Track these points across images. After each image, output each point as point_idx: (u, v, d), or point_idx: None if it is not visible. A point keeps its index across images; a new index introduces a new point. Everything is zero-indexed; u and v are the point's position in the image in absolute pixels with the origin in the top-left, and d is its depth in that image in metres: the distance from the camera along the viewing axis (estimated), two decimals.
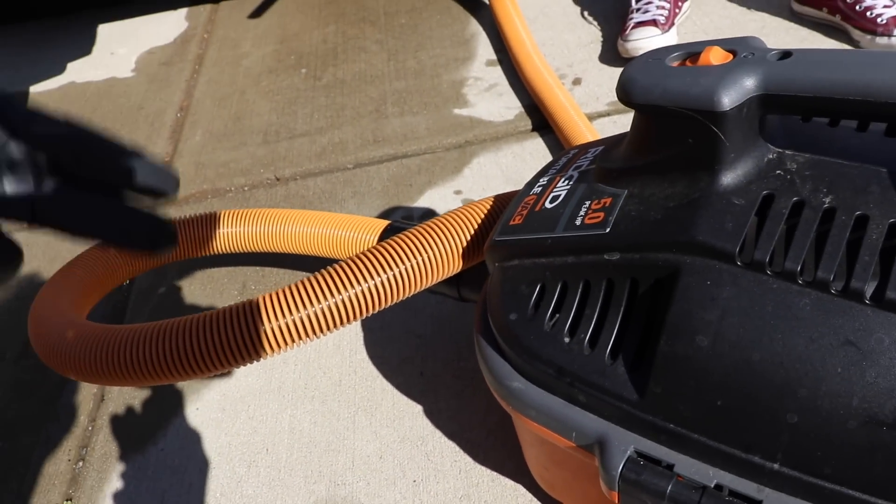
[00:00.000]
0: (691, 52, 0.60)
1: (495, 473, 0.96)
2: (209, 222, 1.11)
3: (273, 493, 1.02)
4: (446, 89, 1.73)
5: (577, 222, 0.64)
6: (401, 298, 0.76)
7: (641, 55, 0.63)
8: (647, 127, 0.61)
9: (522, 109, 1.60)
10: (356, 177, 1.56)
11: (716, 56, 0.57)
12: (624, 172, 0.64)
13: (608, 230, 0.61)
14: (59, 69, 2.20)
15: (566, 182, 0.71)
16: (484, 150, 1.53)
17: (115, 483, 1.09)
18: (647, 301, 0.58)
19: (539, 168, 0.79)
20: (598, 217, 0.62)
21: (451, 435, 1.03)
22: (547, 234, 0.65)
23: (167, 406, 1.16)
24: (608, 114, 1.54)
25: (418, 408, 1.08)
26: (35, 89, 2.14)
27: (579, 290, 0.62)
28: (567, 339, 0.61)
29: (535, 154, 1.47)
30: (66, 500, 1.08)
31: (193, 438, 1.12)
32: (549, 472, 0.77)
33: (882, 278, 0.49)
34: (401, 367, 1.14)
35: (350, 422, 1.08)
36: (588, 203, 0.65)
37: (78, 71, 2.19)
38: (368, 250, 0.76)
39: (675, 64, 0.60)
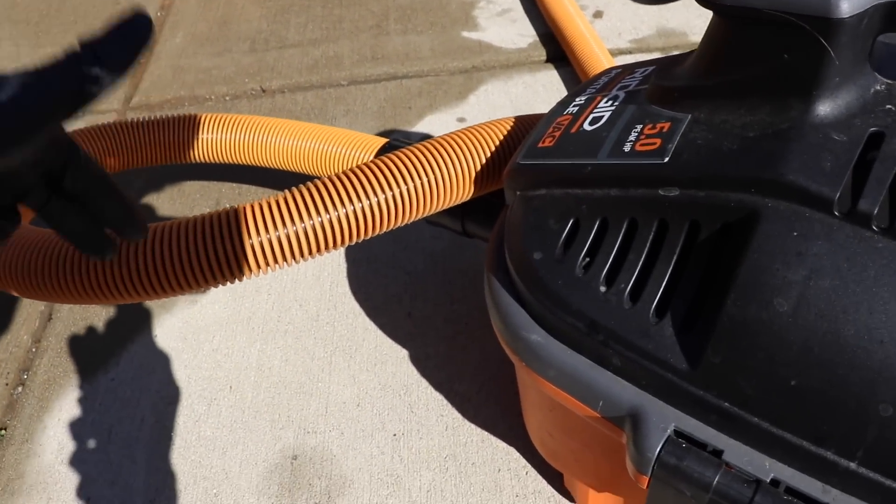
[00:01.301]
0: None
1: (486, 433, 0.86)
2: (184, 125, 0.99)
3: (234, 436, 0.92)
4: (455, 10, 1.61)
5: (626, 149, 0.53)
6: (398, 224, 0.65)
7: None
8: (728, 37, 0.50)
9: (537, 38, 1.49)
10: (350, 94, 1.44)
11: None
12: (688, 93, 0.53)
13: (666, 160, 0.50)
14: None
15: (610, 102, 0.59)
16: (492, 78, 1.42)
17: (57, 413, 0.98)
18: (710, 250, 0.47)
19: (555, 101, 0.67)
20: (654, 144, 0.51)
21: (438, 385, 0.93)
22: (586, 161, 0.54)
23: (122, 331, 1.05)
24: (630, 52, 1.42)
25: (403, 353, 0.97)
26: None
27: (623, 230, 0.51)
28: (603, 289, 0.50)
29: (549, 87, 1.36)
30: (0, 430, 0.97)
31: (149, 369, 1.01)
32: (555, 440, 0.66)
33: None
34: (386, 305, 1.04)
35: (326, 363, 0.98)
36: (640, 127, 0.54)
37: None
38: (365, 164, 0.65)
39: None
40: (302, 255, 0.61)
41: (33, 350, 1.06)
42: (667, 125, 0.52)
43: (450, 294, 1.04)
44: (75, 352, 1.05)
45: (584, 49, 1.28)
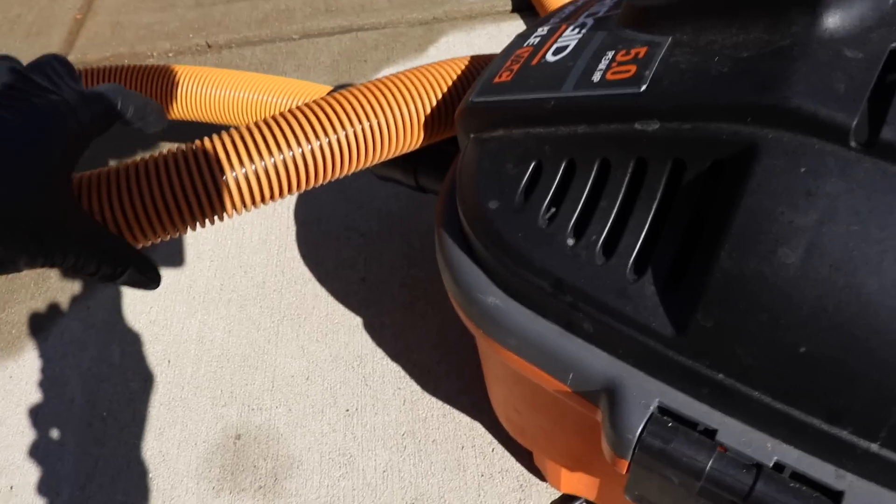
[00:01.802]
0: None
1: (448, 407, 0.80)
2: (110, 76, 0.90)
3: (172, 414, 0.84)
4: None
5: (595, 78, 0.45)
6: (341, 173, 0.57)
7: None
8: None
9: None
10: (301, 48, 1.37)
11: None
12: (668, 12, 0.45)
13: (643, 88, 0.42)
14: None
15: (576, 30, 0.51)
16: (454, 29, 1.35)
17: None
18: (698, 193, 0.40)
19: None
20: (628, 71, 0.43)
21: (395, 356, 0.86)
22: (549, 94, 0.46)
23: (52, 304, 0.97)
24: None
25: (357, 321, 0.90)
26: None
27: (593, 173, 0.43)
28: (571, 242, 0.43)
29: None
30: None
31: (80, 345, 0.93)
32: (523, 416, 0.59)
33: None
34: (338, 270, 0.96)
35: (273, 333, 0.90)
36: (611, 54, 0.46)
37: None
38: (304, 106, 0.56)
39: None
40: (223, 210, 0.53)
41: None
42: (643, 50, 0.44)
43: (407, 258, 0.96)
44: None
45: None
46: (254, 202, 0.54)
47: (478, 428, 0.78)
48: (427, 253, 0.96)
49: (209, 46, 1.42)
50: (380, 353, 0.87)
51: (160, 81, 0.89)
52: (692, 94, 0.40)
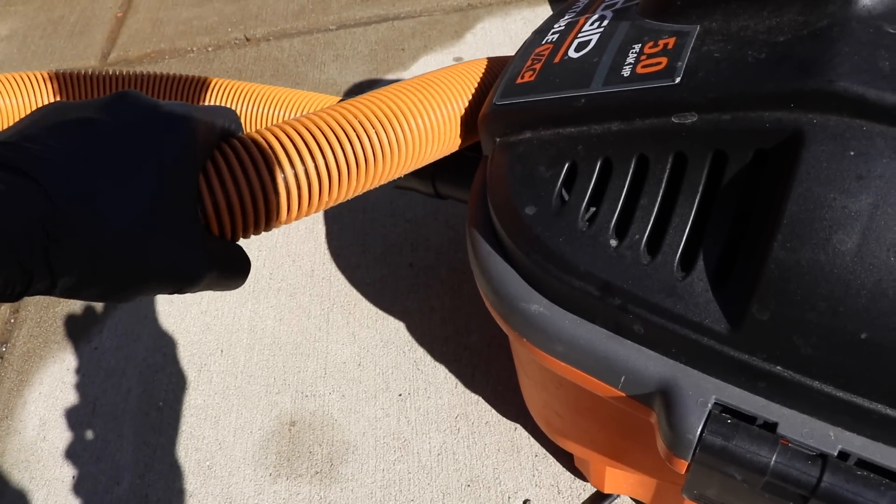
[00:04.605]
0: None
1: (499, 388, 0.80)
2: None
3: (227, 403, 0.85)
4: None
5: (625, 73, 0.44)
6: (359, 190, 0.55)
7: None
8: None
9: None
10: (339, 38, 1.37)
11: None
12: (693, 0, 0.44)
13: (678, 80, 0.41)
14: None
15: (595, 24, 0.51)
16: (490, 15, 1.35)
17: (38, 387, 0.91)
18: (742, 184, 0.39)
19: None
20: (659, 63, 0.43)
21: (445, 340, 0.86)
22: (578, 92, 0.45)
23: None
24: None
25: (406, 305, 0.91)
26: None
27: (631, 170, 0.42)
28: (614, 242, 0.42)
29: None
30: None
31: (134, 336, 0.93)
32: (565, 420, 0.58)
33: None
34: (386, 256, 0.96)
35: (323, 320, 0.91)
36: (638, 46, 0.45)
37: None
38: (315, 114, 0.54)
39: None
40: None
41: (11, 321, 0.99)
42: (671, 40, 0.44)
43: (453, 242, 0.96)
44: (56, 321, 0.97)
45: None
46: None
47: None
48: None
49: (247, 40, 1.42)
50: (430, 337, 0.87)
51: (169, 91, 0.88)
52: (730, 84, 0.39)
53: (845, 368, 0.36)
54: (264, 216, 0.45)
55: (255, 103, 0.83)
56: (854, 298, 0.34)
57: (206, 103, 0.84)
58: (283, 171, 0.45)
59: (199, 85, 0.84)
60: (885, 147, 0.34)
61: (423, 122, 0.53)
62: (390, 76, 1.24)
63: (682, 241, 0.40)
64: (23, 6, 1.60)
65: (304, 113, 0.79)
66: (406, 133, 0.52)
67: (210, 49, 1.41)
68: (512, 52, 1.10)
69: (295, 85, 1.25)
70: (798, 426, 0.38)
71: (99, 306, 0.97)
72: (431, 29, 1.34)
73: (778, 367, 0.37)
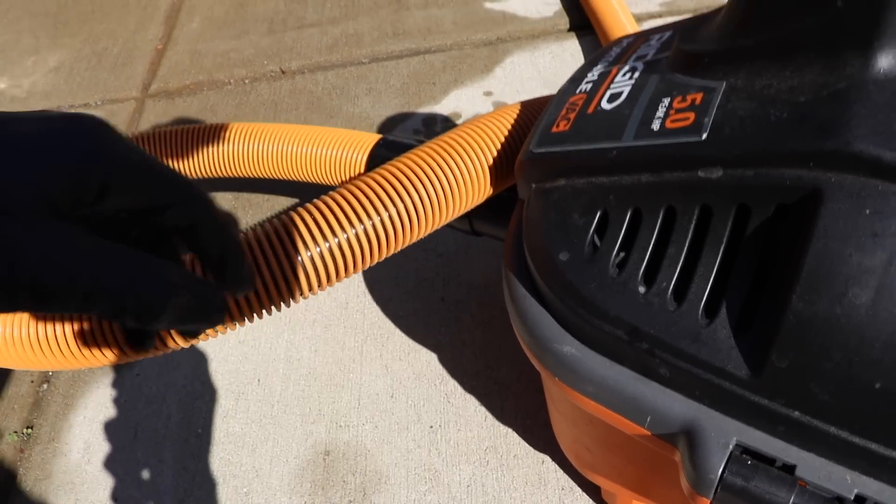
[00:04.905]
0: None
1: (528, 422, 0.81)
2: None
3: (264, 431, 0.87)
4: None
5: (655, 127, 0.46)
6: (411, 240, 0.59)
7: None
8: None
9: (561, 6, 1.44)
10: (372, 72, 1.40)
11: None
12: (720, 57, 0.46)
13: (704, 136, 0.43)
14: None
15: (628, 75, 0.53)
16: (518, 49, 1.37)
17: (83, 411, 0.94)
18: (764, 237, 0.41)
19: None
20: (687, 119, 0.45)
21: (475, 374, 0.88)
22: (610, 144, 0.48)
23: None
24: (661, 15, 1.38)
25: (438, 340, 0.92)
26: None
27: (659, 220, 0.45)
28: (643, 289, 0.44)
29: (578, 56, 1.32)
30: (27, 428, 0.94)
31: (174, 364, 0.97)
32: (594, 455, 0.60)
33: None
34: (418, 290, 0.98)
35: (357, 352, 0.93)
36: (667, 101, 0.47)
37: None
38: (369, 175, 0.58)
39: None
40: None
41: None
42: (699, 96, 0.46)
43: (485, 276, 0.98)
44: None
45: (608, 14, 1.22)
46: (302, 294, 0.54)
47: (557, 442, 0.79)
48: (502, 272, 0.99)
49: (283, 72, 1.46)
50: (461, 370, 0.89)
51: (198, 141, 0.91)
52: (754, 142, 0.41)
53: (861, 415, 0.38)
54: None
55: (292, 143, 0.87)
56: (868, 350, 0.36)
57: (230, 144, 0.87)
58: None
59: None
60: None
61: (464, 183, 0.57)
62: (422, 110, 1.26)
63: (706, 289, 0.42)
64: (69, 39, 1.65)
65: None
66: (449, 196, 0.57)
67: (247, 81, 1.45)
68: (540, 86, 1.13)
69: (329, 118, 1.28)
70: (816, 469, 0.40)
71: None
72: (462, 63, 1.36)
73: (796, 413, 0.39)
